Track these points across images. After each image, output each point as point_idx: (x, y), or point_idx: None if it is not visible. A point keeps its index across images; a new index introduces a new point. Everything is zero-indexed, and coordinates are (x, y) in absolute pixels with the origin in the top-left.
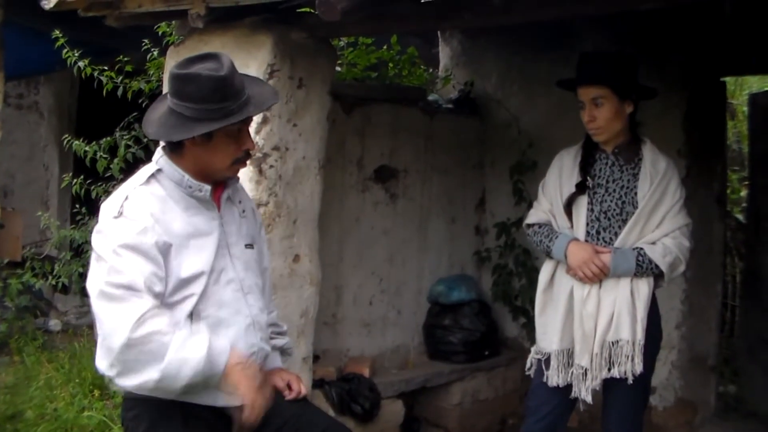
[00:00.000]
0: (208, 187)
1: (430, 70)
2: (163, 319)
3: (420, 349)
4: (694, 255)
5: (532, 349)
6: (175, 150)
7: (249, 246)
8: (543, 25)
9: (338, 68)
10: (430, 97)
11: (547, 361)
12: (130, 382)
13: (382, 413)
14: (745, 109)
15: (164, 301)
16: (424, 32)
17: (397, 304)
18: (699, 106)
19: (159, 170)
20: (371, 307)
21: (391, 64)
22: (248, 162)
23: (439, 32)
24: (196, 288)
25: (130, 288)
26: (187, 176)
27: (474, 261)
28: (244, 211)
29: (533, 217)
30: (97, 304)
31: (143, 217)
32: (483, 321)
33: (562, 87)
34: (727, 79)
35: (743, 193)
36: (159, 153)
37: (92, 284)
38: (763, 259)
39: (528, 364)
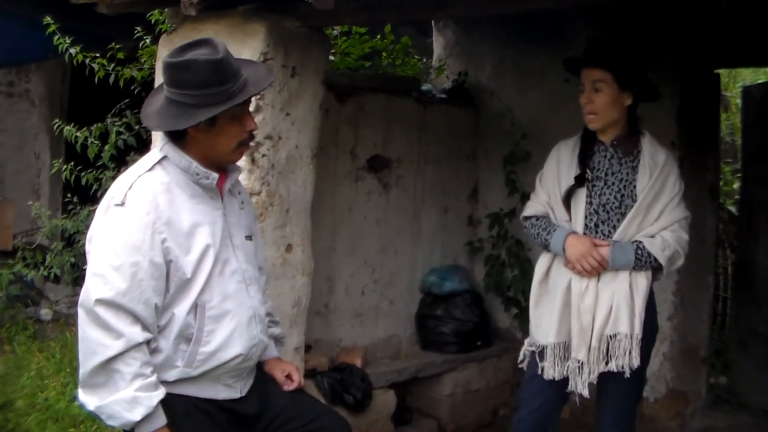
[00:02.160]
0: (215, 175)
1: (424, 60)
2: (136, 360)
3: (412, 340)
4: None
5: (526, 341)
6: (178, 138)
7: (248, 238)
8: (537, 16)
9: (332, 57)
10: (424, 87)
11: (541, 353)
12: (89, 399)
13: (374, 403)
14: (739, 101)
15: (166, 298)
16: (419, 22)
17: (390, 295)
18: (693, 98)
19: (164, 157)
20: (363, 297)
21: (384, 54)
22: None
23: (433, 22)
24: (201, 276)
25: (116, 308)
26: (194, 163)
27: (466, 251)
28: (243, 203)
29: (531, 209)
30: (81, 317)
31: (146, 209)
32: (475, 311)
33: (569, 68)
34: (721, 71)
35: (736, 185)
36: (163, 140)
37: (83, 293)
38: (755, 251)
39: (521, 356)
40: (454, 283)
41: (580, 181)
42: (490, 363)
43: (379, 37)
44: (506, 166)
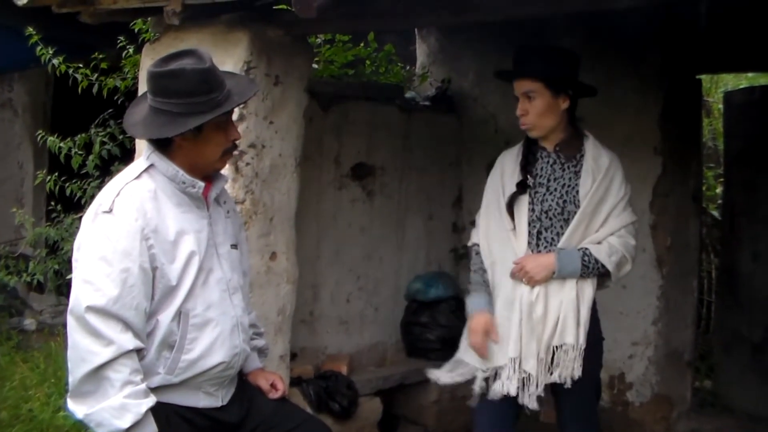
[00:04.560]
0: (201, 184)
1: (407, 68)
2: (126, 367)
3: (398, 347)
4: (671, 251)
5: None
6: (164, 147)
7: (234, 246)
8: (520, 23)
9: (315, 65)
10: (407, 95)
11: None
12: (78, 408)
13: (360, 411)
14: (721, 106)
15: (151, 305)
16: (401, 30)
17: (375, 302)
18: (675, 104)
19: (151, 165)
20: (349, 305)
21: (368, 62)
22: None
23: (416, 30)
24: (185, 284)
25: (106, 316)
26: (181, 172)
27: (451, 258)
28: (228, 212)
29: (474, 236)
30: (71, 324)
31: (135, 216)
32: (460, 318)
33: (502, 79)
34: (703, 76)
35: (719, 189)
36: (149, 149)
37: (73, 300)
38: (738, 255)
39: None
40: (439, 289)
41: (521, 187)
42: None
43: (362, 44)
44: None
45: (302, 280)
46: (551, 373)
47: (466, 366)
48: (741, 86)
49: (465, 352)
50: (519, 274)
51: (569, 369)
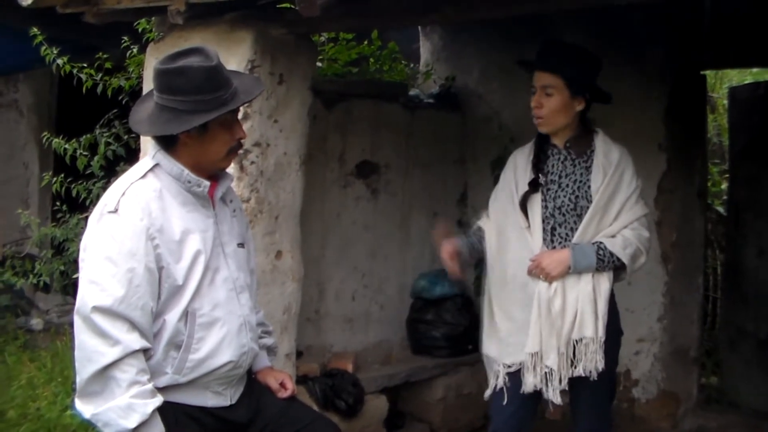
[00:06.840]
0: (207, 183)
1: (411, 66)
2: (132, 367)
3: (403, 344)
4: (676, 248)
5: (500, 365)
6: (169, 145)
7: (240, 245)
8: (523, 20)
9: (319, 64)
10: (411, 93)
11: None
12: (85, 407)
13: (365, 408)
14: (725, 102)
15: (158, 305)
16: (405, 28)
17: (380, 300)
18: (679, 99)
19: (156, 165)
20: (354, 303)
21: (372, 60)
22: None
23: (419, 27)
24: (192, 283)
25: (112, 316)
26: (186, 171)
27: None
28: (234, 211)
29: (485, 224)
30: (78, 324)
31: (140, 216)
32: (466, 315)
33: (523, 68)
34: (707, 72)
35: (724, 185)
36: (155, 148)
37: (80, 301)
38: (743, 251)
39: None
40: (444, 287)
41: (533, 186)
42: (482, 367)
43: (366, 42)
44: (494, 170)
45: (307, 278)
46: (575, 367)
47: (491, 361)
48: (746, 82)
49: (488, 347)
50: (536, 271)
51: (593, 362)
